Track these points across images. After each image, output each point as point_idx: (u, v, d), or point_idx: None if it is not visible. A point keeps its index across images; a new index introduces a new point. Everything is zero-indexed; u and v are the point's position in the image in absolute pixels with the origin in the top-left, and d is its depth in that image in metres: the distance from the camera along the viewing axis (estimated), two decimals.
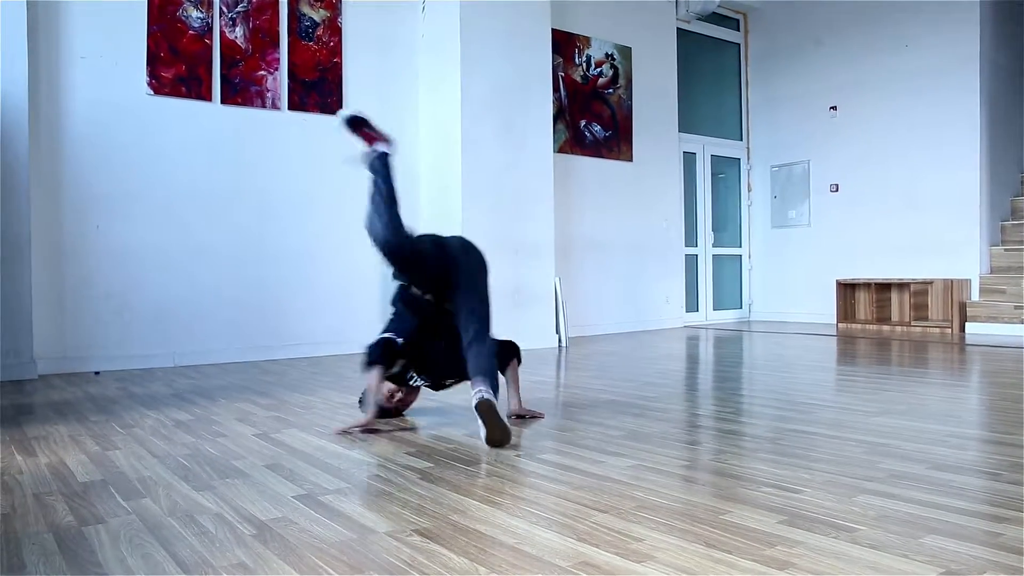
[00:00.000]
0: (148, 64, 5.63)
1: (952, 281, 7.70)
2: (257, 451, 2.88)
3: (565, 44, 7.78)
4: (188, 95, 5.79)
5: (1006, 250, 7.79)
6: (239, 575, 1.68)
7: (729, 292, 9.71)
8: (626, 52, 8.28)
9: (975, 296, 7.73)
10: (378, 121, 3.73)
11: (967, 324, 7.56)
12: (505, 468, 2.58)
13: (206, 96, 5.87)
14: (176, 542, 1.89)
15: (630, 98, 8.31)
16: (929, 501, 2.12)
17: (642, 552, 1.77)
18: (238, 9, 6.00)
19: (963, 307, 7.63)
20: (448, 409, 3.76)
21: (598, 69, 8.06)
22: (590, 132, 7.95)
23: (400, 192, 3.42)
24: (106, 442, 3.06)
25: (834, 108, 8.84)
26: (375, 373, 3.22)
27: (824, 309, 8.82)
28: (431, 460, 2.70)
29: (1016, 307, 7.28)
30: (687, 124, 9.03)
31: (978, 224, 7.73)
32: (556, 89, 7.63)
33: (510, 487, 2.35)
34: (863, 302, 8.53)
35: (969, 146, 7.73)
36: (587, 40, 7.98)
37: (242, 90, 6.02)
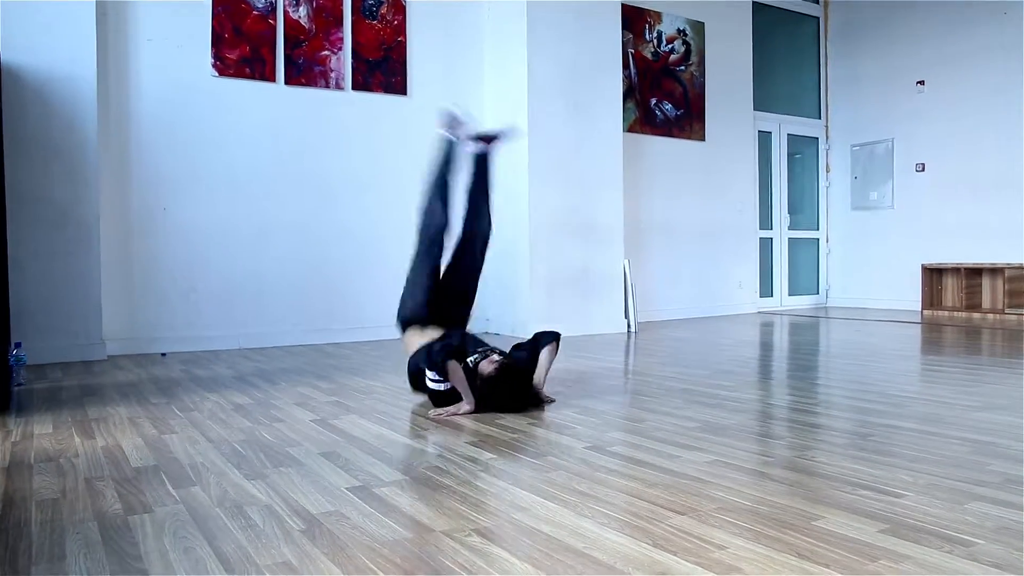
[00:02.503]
0: (213, 45, 5.60)
1: None
2: (314, 438, 2.77)
3: (635, 20, 7.50)
4: (252, 76, 5.74)
5: None
6: (283, 575, 1.56)
7: (805, 277, 9.31)
8: (699, 27, 7.95)
9: None
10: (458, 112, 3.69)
11: None
12: (573, 461, 2.41)
13: (270, 77, 5.82)
14: (221, 536, 1.78)
15: (702, 75, 7.98)
16: None
17: (726, 563, 1.58)
18: None
19: None
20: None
21: (669, 45, 7.76)
22: (661, 111, 7.67)
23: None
24: (163, 425, 3.00)
25: (921, 83, 8.34)
26: (453, 366, 3.10)
27: (907, 295, 8.37)
28: (495, 451, 2.55)
29: None
30: (762, 102, 8.64)
31: None
32: (626, 66, 7.37)
33: (578, 482, 2.18)
34: (951, 288, 8.06)
35: None
36: (658, 15, 7.69)
37: (306, 70, 5.95)
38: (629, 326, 6.69)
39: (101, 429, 2.94)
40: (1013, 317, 7.28)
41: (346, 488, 2.15)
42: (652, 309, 7.46)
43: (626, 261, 6.76)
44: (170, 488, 2.16)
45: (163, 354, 5.27)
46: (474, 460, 2.44)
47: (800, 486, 2.12)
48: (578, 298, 6.35)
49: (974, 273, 7.88)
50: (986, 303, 7.82)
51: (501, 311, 6.48)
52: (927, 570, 1.54)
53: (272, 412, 3.26)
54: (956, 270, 7.94)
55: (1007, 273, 7.47)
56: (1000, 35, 7.66)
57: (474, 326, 6.57)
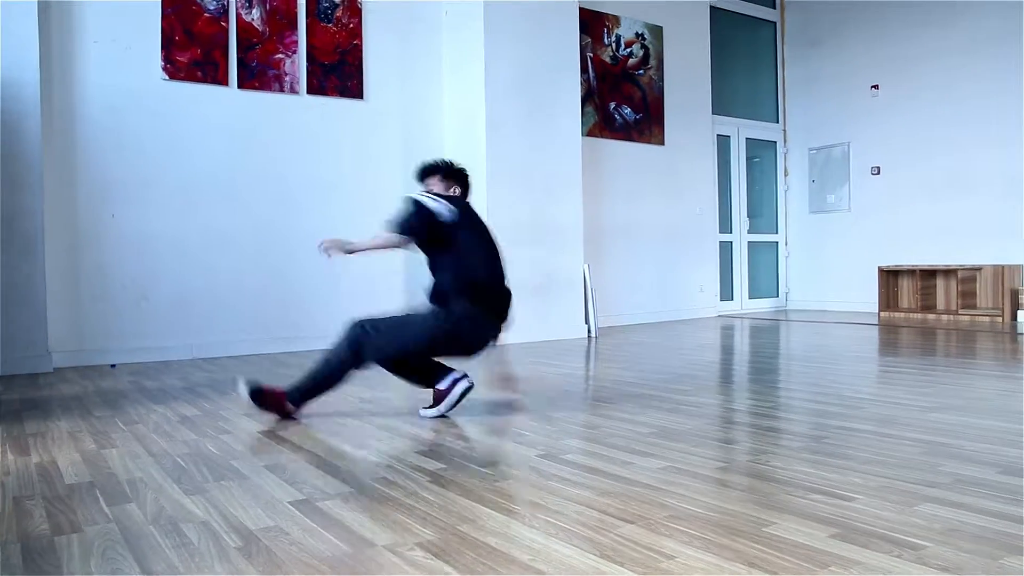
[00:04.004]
0: (163, 48, 5.47)
1: (1003, 267, 7.32)
2: (260, 450, 2.69)
3: (593, 23, 7.50)
4: (204, 80, 5.63)
5: None
6: None
7: (765, 280, 9.37)
8: (657, 32, 7.98)
9: None
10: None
11: (1019, 312, 7.18)
12: (524, 470, 2.36)
13: (222, 80, 5.70)
14: (152, 555, 1.70)
15: (661, 79, 8.01)
16: (1004, 512, 1.86)
17: (674, 573, 1.55)
18: None
19: (1015, 294, 7.24)
20: (470, 405, 3.55)
21: (628, 49, 7.77)
22: (620, 115, 7.67)
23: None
24: (104, 439, 2.89)
25: (876, 87, 8.45)
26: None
27: (865, 297, 8.46)
28: (444, 461, 2.49)
29: None
30: (721, 106, 8.70)
31: None
32: (584, 70, 7.36)
33: (528, 492, 2.13)
34: (907, 290, 8.17)
35: (1020, 124, 7.32)
36: (616, 19, 7.70)
37: (259, 74, 5.85)
38: (589, 331, 6.67)
39: (37, 445, 2.82)
40: (966, 318, 7.40)
41: (288, 502, 2.08)
42: (613, 314, 7.45)
43: (586, 266, 6.74)
44: (104, 505, 2.07)
45: (112, 365, 5.12)
46: (423, 470, 2.37)
47: (753, 491, 2.10)
48: (537, 303, 6.31)
49: (929, 275, 7.99)
50: (940, 304, 7.93)
51: None
52: (876, 574, 1.52)
53: (220, 424, 3.16)
54: (911, 272, 8.05)
55: (960, 275, 7.58)
56: (950, 39, 7.79)
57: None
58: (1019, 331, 6.27)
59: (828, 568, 1.55)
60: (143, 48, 5.40)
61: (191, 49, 5.57)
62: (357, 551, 1.71)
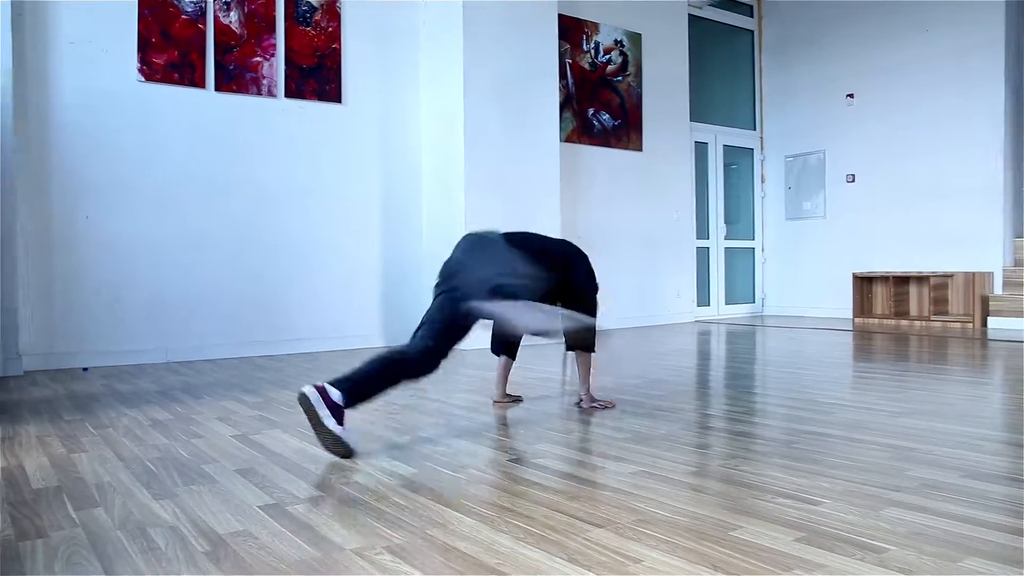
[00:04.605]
0: (139, 50, 5.44)
1: (974, 274, 7.42)
2: (232, 454, 2.68)
3: (573, 30, 7.54)
4: (181, 82, 5.59)
5: None
6: None
7: (742, 286, 9.44)
8: (636, 39, 8.03)
9: (998, 290, 7.44)
10: None
11: (989, 319, 7.28)
12: (495, 474, 2.37)
13: (199, 83, 5.67)
14: (118, 560, 1.69)
15: (640, 86, 8.06)
16: (967, 516, 1.89)
17: (638, 575, 1.56)
18: None
19: (985, 301, 7.35)
20: (444, 409, 3.55)
21: (607, 56, 7.81)
22: (598, 121, 7.71)
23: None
24: (74, 444, 2.86)
25: (851, 96, 8.55)
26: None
27: (840, 303, 8.55)
28: (416, 465, 2.49)
29: None
30: (699, 113, 8.76)
31: (1001, 215, 7.44)
32: (563, 77, 7.39)
33: (499, 496, 2.14)
34: (881, 296, 8.26)
35: (992, 134, 7.44)
36: (595, 26, 7.74)
37: (237, 77, 5.82)
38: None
39: (5, 449, 2.79)
40: (938, 324, 7.49)
41: (258, 506, 2.07)
42: None
43: None
44: (71, 510, 2.05)
45: (84, 369, 5.07)
46: (395, 474, 2.37)
47: (722, 496, 2.11)
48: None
49: (902, 281, 8.09)
50: (913, 310, 8.03)
51: None
52: None
53: (192, 428, 3.14)
54: (885, 279, 8.15)
55: (932, 281, 7.68)
56: (923, 49, 7.91)
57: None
58: (989, 337, 6.36)
59: (791, 571, 1.57)
60: (119, 50, 5.36)
61: (168, 51, 5.53)
62: (325, 555, 1.70)
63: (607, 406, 3.45)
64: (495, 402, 3.63)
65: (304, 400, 2.51)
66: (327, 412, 2.51)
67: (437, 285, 3.02)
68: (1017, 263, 7.52)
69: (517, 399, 3.68)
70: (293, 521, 1.94)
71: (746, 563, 1.61)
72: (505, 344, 3.58)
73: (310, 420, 2.52)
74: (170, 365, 5.27)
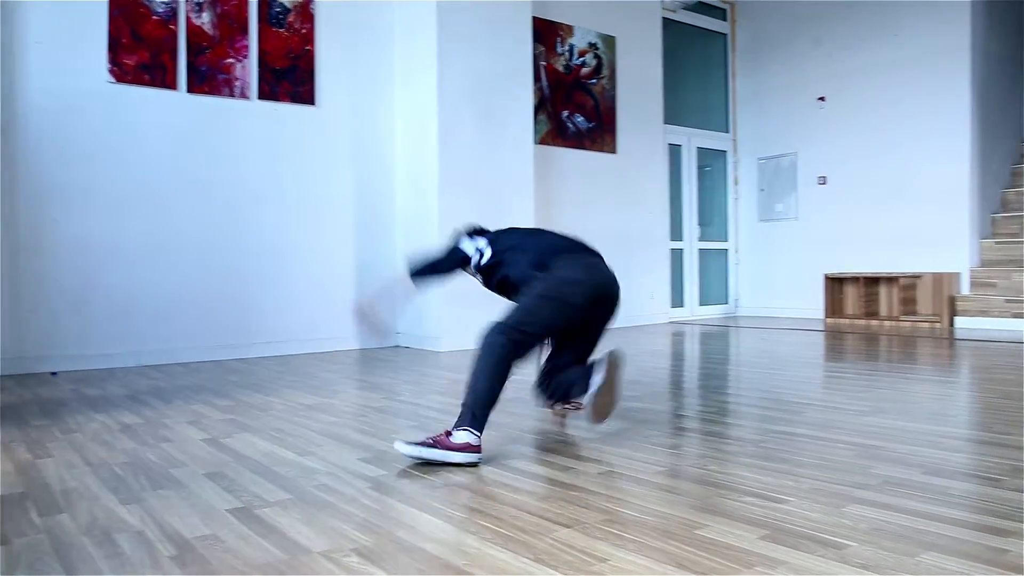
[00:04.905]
0: (109, 50, 5.38)
1: (942, 275, 7.54)
2: (201, 458, 2.66)
3: (547, 33, 7.56)
4: (152, 83, 5.54)
5: (997, 243, 7.62)
6: None
7: (715, 287, 9.52)
8: (610, 41, 8.07)
9: (965, 290, 7.57)
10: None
11: (957, 318, 7.40)
12: (465, 476, 2.38)
13: (171, 84, 5.62)
14: (82, 566, 1.67)
15: (614, 88, 8.10)
16: (926, 512, 1.93)
17: (604, 574, 1.57)
18: None
19: (953, 301, 7.46)
20: (417, 411, 3.55)
21: (581, 59, 7.85)
22: (572, 123, 7.74)
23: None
24: (40, 449, 2.83)
25: (822, 99, 8.65)
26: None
27: (812, 304, 8.64)
28: (386, 467, 2.49)
29: (1007, 301, 7.12)
30: (672, 115, 8.82)
31: (968, 217, 7.56)
32: (537, 79, 7.41)
33: (467, 498, 2.15)
34: (851, 296, 8.36)
35: (959, 137, 7.56)
36: (570, 29, 7.77)
37: (209, 78, 5.78)
38: None
39: None
40: (907, 324, 7.60)
41: (226, 510, 2.06)
42: None
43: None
44: (34, 516, 2.03)
45: (53, 373, 5.01)
46: (365, 477, 2.37)
47: (689, 495, 2.14)
48: (488, 310, 6.31)
49: (872, 282, 8.19)
50: (883, 311, 8.14)
51: (411, 324, 6.41)
52: (799, 573, 1.56)
53: (161, 432, 3.12)
54: (856, 279, 8.25)
55: (902, 282, 7.79)
56: (892, 53, 8.02)
57: (388, 339, 6.50)
58: (956, 337, 6.46)
59: (754, 568, 1.59)
60: (89, 50, 5.30)
61: (139, 52, 5.48)
62: (292, 557, 1.70)
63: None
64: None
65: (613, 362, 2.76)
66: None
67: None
68: (983, 264, 7.65)
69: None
70: (261, 524, 1.94)
71: (711, 561, 1.64)
72: None
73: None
74: (141, 369, 5.22)
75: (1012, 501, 2.01)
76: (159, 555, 1.74)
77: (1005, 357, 5.12)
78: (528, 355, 2.73)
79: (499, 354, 2.59)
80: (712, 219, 9.49)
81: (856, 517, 1.90)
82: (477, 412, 2.53)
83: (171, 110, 5.60)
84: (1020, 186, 8.04)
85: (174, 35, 5.63)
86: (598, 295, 2.94)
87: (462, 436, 2.48)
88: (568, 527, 1.87)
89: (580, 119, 7.79)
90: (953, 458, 2.48)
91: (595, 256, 3.09)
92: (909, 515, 1.91)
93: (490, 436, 2.94)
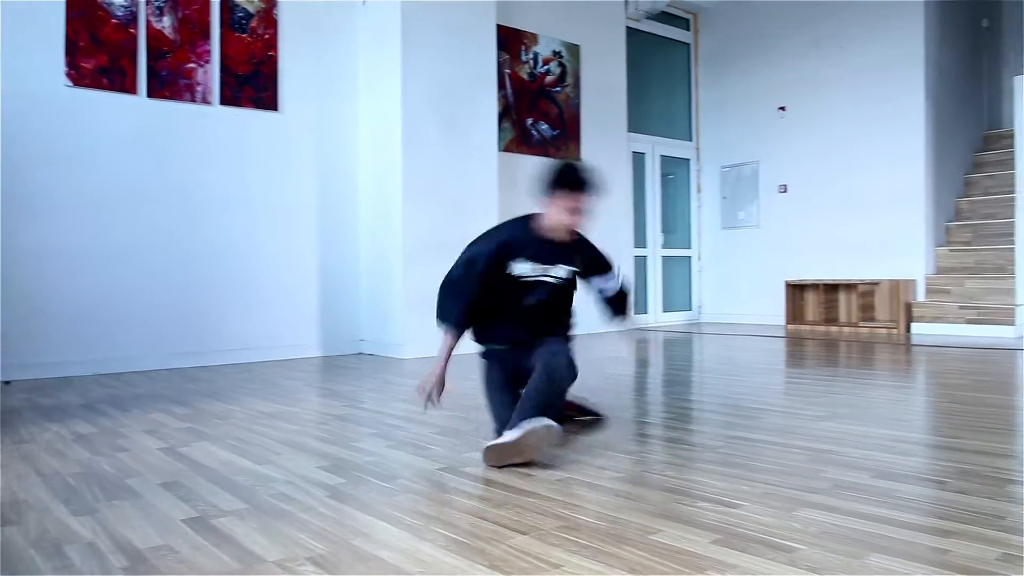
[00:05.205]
0: (67, 54, 5.30)
1: (898, 282, 7.69)
2: (157, 467, 2.63)
3: (512, 41, 7.60)
4: (111, 87, 5.47)
5: (951, 251, 7.81)
6: None
7: (679, 294, 9.61)
8: (574, 50, 8.13)
9: (921, 296, 7.73)
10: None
11: (913, 324, 7.56)
12: (424, 483, 2.38)
13: (131, 89, 5.56)
14: None
15: (578, 96, 8.16)
16: (873, 514, 1.97)
17: None
18: None
19: (909, 308, 7.62)
20: (378, 419, 3.55)
21: (545, 67, 7.90)
22: (537, 131, 7.78)
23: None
24: None
25: (783, 108, 8.80)
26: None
27: (773, 310, 8.77)
28: (345, 475, 2.49)
29: (960, 307, 7.29)
30: (636, 124, 8.91)
31: (924, 225, 7.73)
32: (502, 87, 7.44)
33: (425, 505, 2.15)
34: (811, 303, 8.50)
35: (915, 147, 7.73)
36: (534, 37, 7.81)
37: (170, 83, 5.72)
38: None
39: None
40: (866, 330, 7.74)
41: (181, 520, 2.05)
42: None
43: None
44: None
45: (6, 382, 4.91)
46: (323, 485, 2.37)
47: (645, 500, 2.16)
48: None
49: (832, 289, 8.34)
50: (843, 317, 8.28)
51: (375, 331, 6.39)
52: None
53: (117, 441, 3.08)
54: (816, 286, 8.38)
55: (860, 288, 7.94)
56: (849, 64, 8.19)
57: (350, 347, 6.47)
58: (913, 342, 6.60)
59: (705, 572, 1.62)
60: (45, 53, 5.22)
61: (97, 56, 5.41)
62: (246, 567, 1.70)
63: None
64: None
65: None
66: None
67: None
68: (938, 271, 7.82)
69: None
70: (216, 534, 1.92)
71: (662, 565, 1.66)
72: None
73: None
74: (98, 377, 5.14)
75: (956, 503, 2.07)
76: (110, 566, 1.72)
77: (958, 362, 5.24)
78: None
79: None
80: (675, 226, 9.59)
81: (806, 521, 1.94)
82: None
83: (131, 115, 5.54)
84: (973, 195, 8.25)
85: (134, 39, 5.57)
86: None
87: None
88: (524, 534, 1.88)
89: (544, 127, 7.83)
90: (903, 462, 2.53)
91: None
92: (857, 518, 1.95)
93: (450, 443, 2.95)
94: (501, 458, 2.52)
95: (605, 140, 8.38)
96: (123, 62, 5.52)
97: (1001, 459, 2.54)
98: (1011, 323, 6.93)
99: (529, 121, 7.72)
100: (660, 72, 9.47)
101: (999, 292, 7.22)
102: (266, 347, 6.04)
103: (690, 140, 9.70)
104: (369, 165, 6.57)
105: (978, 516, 1.95)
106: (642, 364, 5.70)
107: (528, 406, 2.57)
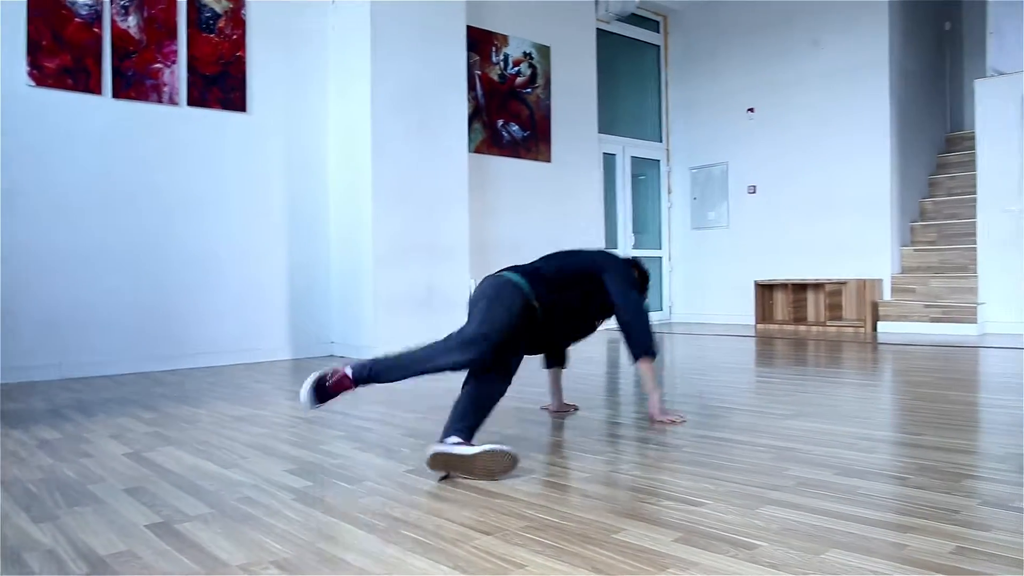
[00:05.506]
0: (29, 53, 5.23)
1: (865, 281, 7.81)
2: (121, 473, 2.61)
3: (482, 42, 7.61)
4: (75, 88, 5.40)
5: (915, 250, 7.94)
6: None
7: (650, 294, 9.62)
8: (545, 51, 8.16)
9: (887, 296, 7.85)
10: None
11: (879, 323, 7.68)
12: (391, 486, 2.38)
13: (95, 89, 5.49)
14: None
15: (548, 98, 8.19)
16: (834, 511, 2.01)
17: None
18: None
19: (875, 307, 7.74)
20: (347, 421, 3.54)
21: (516, 68, 7.91)
22: (507, 132, 7.80)
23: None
24: None
25: (751, 110, 8.89)
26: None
27: (743, 310, 8.86)
28: (311, 478, 2.48)
29: (925, 306, 7.41)
30: (607, 125, 8.96)
31: (889, 225, 7.86)
32: (472, 88, 7.45)
33: (391, 508, 2.15)
34: (780, 303, 8.59)
35: (880, 148, 7.86)
36: (505, 38, 7.83)
37: (136, 84, 5.66)
38: None
39: None
40: (833, 329, 7.85)
41: (145, 525, 2.03)
42: None
43: (472, 281, 6.79)
44: None
45: None
46: (289, 488, 2.36)
47: (609, 500, 2.18)
48: (423, 318, 6.33)
49: (800, 288, 8.44)
50: (811, 316, 8.39)
51: (345, 332, 6.36)
52: (710, 573, 1.61)
53: (81, 447, 3.04)
54: (784, 286, 8.48)
55: (828, 288, 8.04)
56: (816, 66, 8.30)
57: (321, 349, 6.44)
58: (879, 341, 6.70)
59: (667, 570, 1.64)
60: (7, 52, 5.14)
61: (61, 55, 5.34)
62: (209, 572, 1.69)
63: (676, 421, 3.28)
64: (552, 412, 3.60)
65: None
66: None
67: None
68: (904, 270, 7.95)
69: (574, 407, 3.67)
70: (180, 539, 1.91)
71: (625, 564, 1.68)
72: (551, 355, 3.56)
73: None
74: (64, 382, 5.07)
75: (915, 498, 2.11)
76: (71, 573, 1.70)
77: (922, 360, 5.33)
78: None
79: None
80: (646, 227, 9.65)
81: (768, 518, 1.97)
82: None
83: (96, 115, 5.47)
84: (937, 196, 8.39)
85: (98, 38, 5.50)
86: None
87: None
88: (489, 534, 1.89)
89: (515, 128, 7.85)
90: (865, 458, 2.58)
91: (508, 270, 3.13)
92: (819, 515, 1.98)
93: (418, 444, 2.95)
94: (448, 467, 2.43)
95: (576, 141, 8.42)
96: (87, 62, 5.45)
97: (960, 455, 2.59)
98: (973, 321, 7.07)
99: (500, 122, 7.73)
100: (630, 74, 9.53)
101: (962, 291, 7.36)
102: (236, 350, 6.00)
103: (660, 141, 9.77)
104: (339, 166, 6.54)
105: (935, 511, 1.99)
106: (613, 365, 5.73)
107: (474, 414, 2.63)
